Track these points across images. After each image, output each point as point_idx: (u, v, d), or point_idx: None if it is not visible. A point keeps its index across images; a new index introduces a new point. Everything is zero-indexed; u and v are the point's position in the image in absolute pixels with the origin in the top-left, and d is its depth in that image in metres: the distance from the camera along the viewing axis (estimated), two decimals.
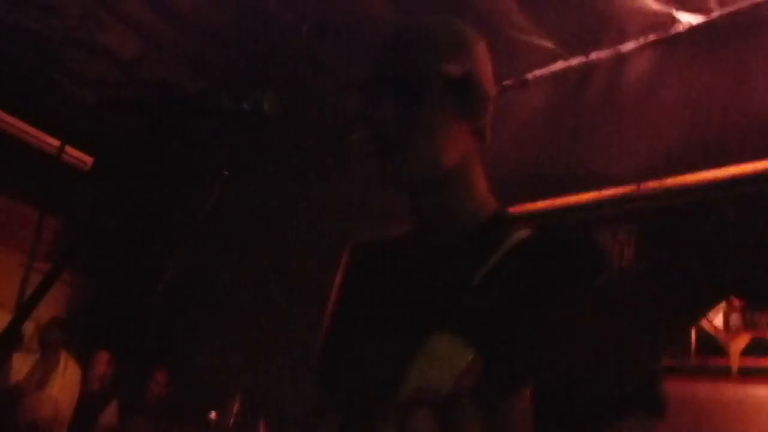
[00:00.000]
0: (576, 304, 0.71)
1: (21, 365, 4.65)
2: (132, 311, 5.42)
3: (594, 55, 3.77)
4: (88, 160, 5.75)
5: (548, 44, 3.77)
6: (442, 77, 1.02)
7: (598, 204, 3.13)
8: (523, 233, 0.99)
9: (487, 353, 0.75)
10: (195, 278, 5.46)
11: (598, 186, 3.15)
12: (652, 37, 3.54)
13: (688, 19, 3.38)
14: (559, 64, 3.86)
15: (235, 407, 3.63)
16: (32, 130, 5.39)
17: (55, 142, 5.44)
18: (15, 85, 4.97)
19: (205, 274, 5.39)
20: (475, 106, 1.05)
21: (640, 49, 3.59)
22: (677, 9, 3.37)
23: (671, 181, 2.89)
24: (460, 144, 1.04)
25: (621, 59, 3.65)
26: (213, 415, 3.72)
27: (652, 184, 2.96)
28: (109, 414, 4.64)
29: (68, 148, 5.56)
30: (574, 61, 3.82)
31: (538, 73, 3.95)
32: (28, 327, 4.74)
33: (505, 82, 3.92)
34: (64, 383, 4.63)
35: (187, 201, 5.72)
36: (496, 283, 0.93)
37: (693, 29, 3.39)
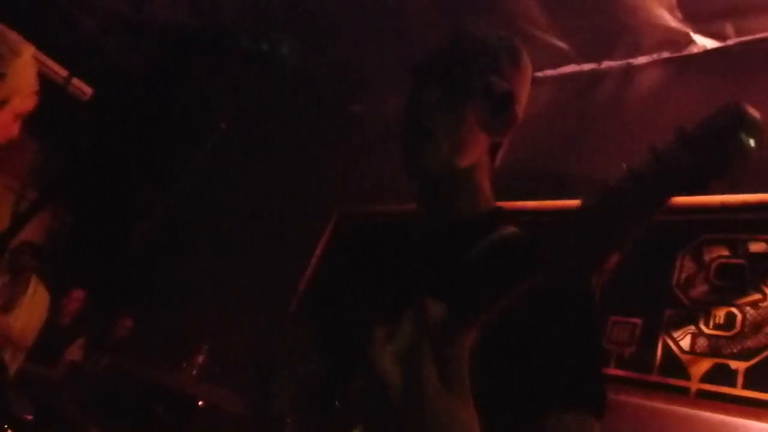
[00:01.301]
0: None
1: None
2: (108, 251, 5.38)
3: (606, 64, 3.78)
4: (88, 90, 5.64)
5: (563, 46, 3.77)
6: (489, 87, 1.10)
7: None
8: (508, 231, 1.08)
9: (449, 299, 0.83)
10: (175, 226, 5.43)
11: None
12: (665, 54, 3.56)
13: (703, 42, 3.40)
14: (571, 68, 3.87)
15: (201, 359, 3.62)
16: (39, 55, 5.25)
17: (61, 71, 5.33)
18: (19, 6, 4.86)
19: (185, 224, 5.36)
20: (502, 124, 1.14)
21: (652, 64, 3.61)
22: (694, 31, 3.38)
23: None
24: (476, 151, 1.14)
25: (632, 71, 3.67)
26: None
27: None
28: (76, 349, 4.63)
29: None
30: (586, 67, 3.83)
31: (548, 72, 3.95)
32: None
33: None
34: (31, 308, 4.60)
35: (180, 146, 5.66)
36: (475, 267, 0.99)
37: (707, 53, 3.41)
